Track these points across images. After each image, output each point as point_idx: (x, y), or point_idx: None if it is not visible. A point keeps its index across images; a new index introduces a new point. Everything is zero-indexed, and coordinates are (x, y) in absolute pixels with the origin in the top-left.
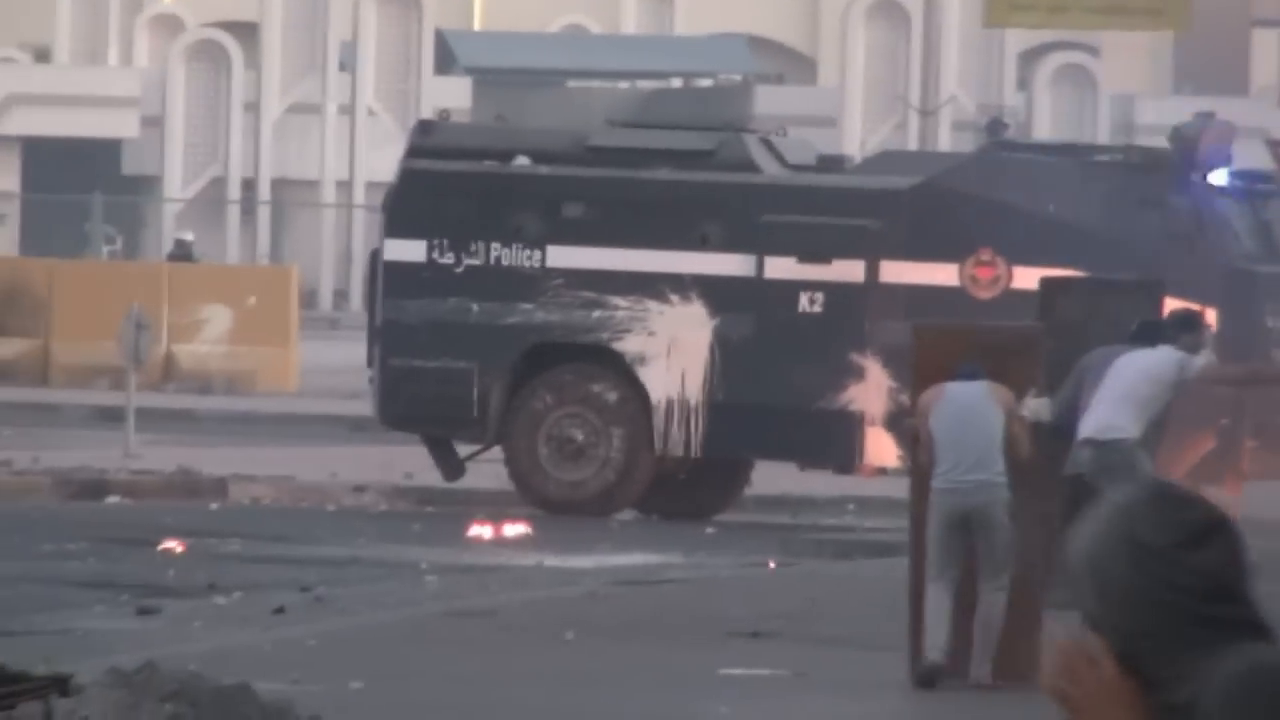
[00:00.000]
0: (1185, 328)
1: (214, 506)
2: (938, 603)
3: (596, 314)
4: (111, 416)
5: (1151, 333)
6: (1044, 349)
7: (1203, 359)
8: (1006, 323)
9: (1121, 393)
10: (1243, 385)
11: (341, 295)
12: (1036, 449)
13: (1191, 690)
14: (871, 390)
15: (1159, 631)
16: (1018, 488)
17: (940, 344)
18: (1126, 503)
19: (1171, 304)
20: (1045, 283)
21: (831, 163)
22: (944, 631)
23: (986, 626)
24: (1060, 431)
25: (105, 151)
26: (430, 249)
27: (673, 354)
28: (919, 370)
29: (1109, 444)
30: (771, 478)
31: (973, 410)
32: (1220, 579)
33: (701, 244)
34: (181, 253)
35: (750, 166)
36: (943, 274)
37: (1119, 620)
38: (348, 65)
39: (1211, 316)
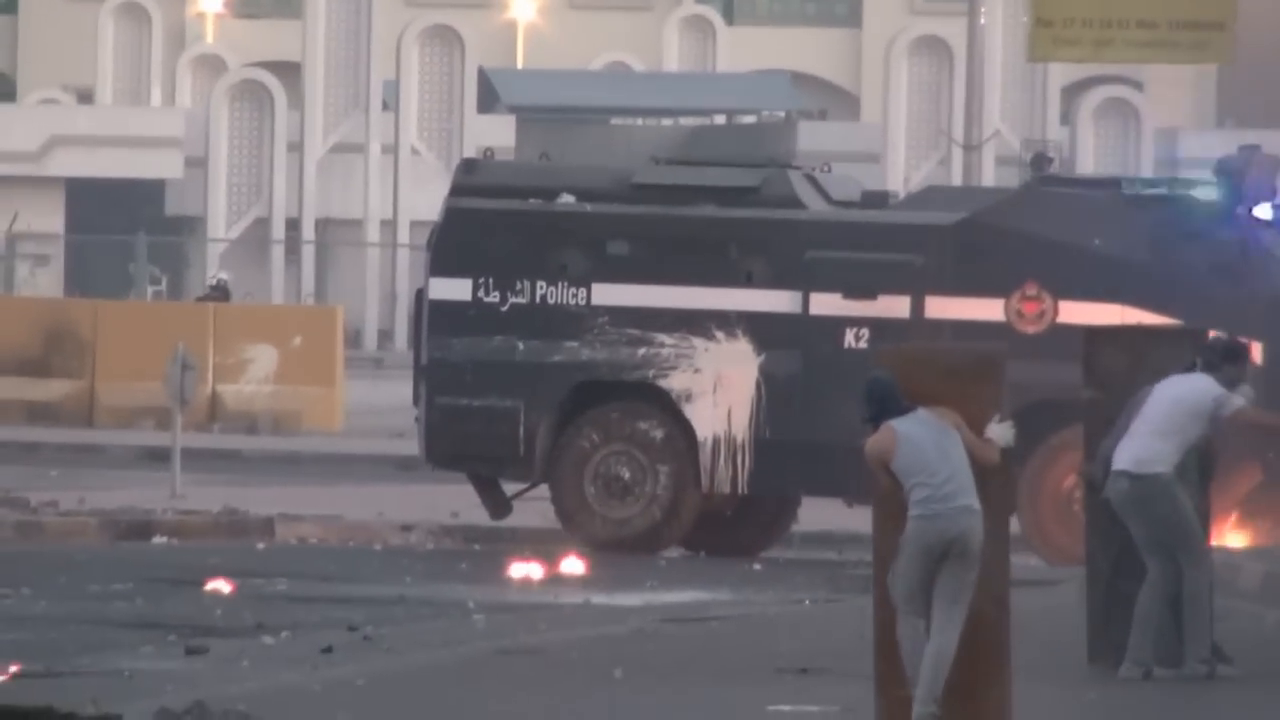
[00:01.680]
0: (1229, 358)
1: (260, 546)
2: (914, 641)
3: (642, 351)
4: (157, 457)
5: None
6: (1005, 372)
7: (1241, 396)
8: (967, 345)
9: (1157, 423)
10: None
11: (386, 334)
12: (1000, 456)
13: None
14: None
15: None
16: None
17: (903, 368)
18: None
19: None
20: (1089, 334)
21: (876, 198)
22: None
23: (937, 660)
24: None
25: (149, 192)
26: (475, 287)
27: (719, 391)
28: None
29: (1145, 478)
30: (818, 514)
31: (934, 440)
32: None
33: (747, 280)
34: (217, 293)
35: (795, 203)
36: (988, 309)
37: None
38: (390, 104)
39: (1256, 350)
